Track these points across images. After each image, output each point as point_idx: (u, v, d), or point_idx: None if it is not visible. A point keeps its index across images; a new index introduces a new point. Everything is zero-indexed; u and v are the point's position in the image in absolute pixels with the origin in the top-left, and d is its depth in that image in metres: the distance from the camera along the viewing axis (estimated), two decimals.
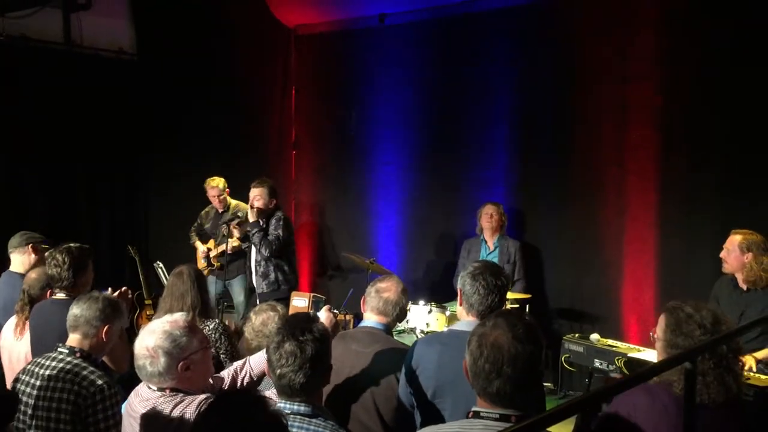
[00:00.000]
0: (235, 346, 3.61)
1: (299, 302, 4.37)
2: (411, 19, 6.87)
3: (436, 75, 6.76)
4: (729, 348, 2.29)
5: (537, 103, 6.16)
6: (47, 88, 6.19)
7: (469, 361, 1.93)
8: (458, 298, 2.70)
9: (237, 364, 2.85)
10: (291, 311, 3.97)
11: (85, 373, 2.68)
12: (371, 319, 2.98)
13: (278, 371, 2.21)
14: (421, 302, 5.00)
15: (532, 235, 6.24)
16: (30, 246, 4.17)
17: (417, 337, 4.75)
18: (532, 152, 6.22)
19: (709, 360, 2.24)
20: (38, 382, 2.68)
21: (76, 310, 2.84)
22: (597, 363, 4.98)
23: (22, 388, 2.72)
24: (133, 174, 6.98)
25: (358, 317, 3.28)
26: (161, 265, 6.35)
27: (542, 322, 5.62)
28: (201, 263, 6.36)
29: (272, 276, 5.43)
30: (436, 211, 6.87)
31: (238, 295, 6.50)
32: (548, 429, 1.55)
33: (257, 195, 5.39)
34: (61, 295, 3.48)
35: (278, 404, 2.21)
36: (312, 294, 4.45)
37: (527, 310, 5.41)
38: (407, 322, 4.90)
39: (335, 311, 3.04)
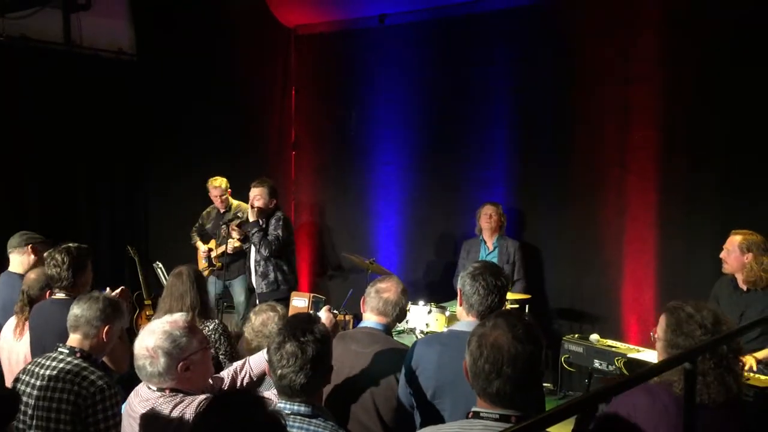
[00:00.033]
0: (235, 347, 3.61)
1: (299, 302, 4.36)
2: (411, 20, 6.86)
3: (436, 75, 6.76)
4: (729, 348, 2.29)
5: (537, 103, 6.16)
6: (47, 89, 6.19)
7: (468, 361, 1.93)
8: (458, 298, 2.70)
9: (237, 364, 2.85)
10: (291, 311, 3.96)
11: (85, 373, 2.67)
12: (371, 319, 2.98)
13: (279, 372, 2.21)
14: (421, 302, 4.99)
15: (532, 235, 6.24)
16: (29, 246, 4.16)
17: (417, 337, 4.74)
18: (533, 152, 6.21)
19: (709, 360, 2.24)
20: (39, 382, 2.68)
21: (76, 310, 2.84)
22: (596, 363, 4.97)
23: (23, 388, 2.72)
24: (133, 174, 6.98)
25: (358, 317, 3.28)
26: (161, 265, 6.35)
27: (542, 322, 5.61)
28: (202, 263, 6.36)
29: (271, 276, 5.43)
30: (436, 212, 6.87)
31: (239, 296, 6.50)
32: (548, 429, 1.55)
33: (257, 195, 5.39)
34: (60, 295, 3.47)
35: (278, 404, 2.21)
36: (312, 294, 4.43)
37: (527, 310, 5.41)
38: (407, 322, 4.90)
39: (335, 311, 3.04)
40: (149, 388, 2.41)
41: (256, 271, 5.51)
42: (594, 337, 5.20)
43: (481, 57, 6.46)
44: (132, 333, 3.06)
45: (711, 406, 2.23)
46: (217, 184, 6.32)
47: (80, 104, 6.39)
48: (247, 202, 5.55)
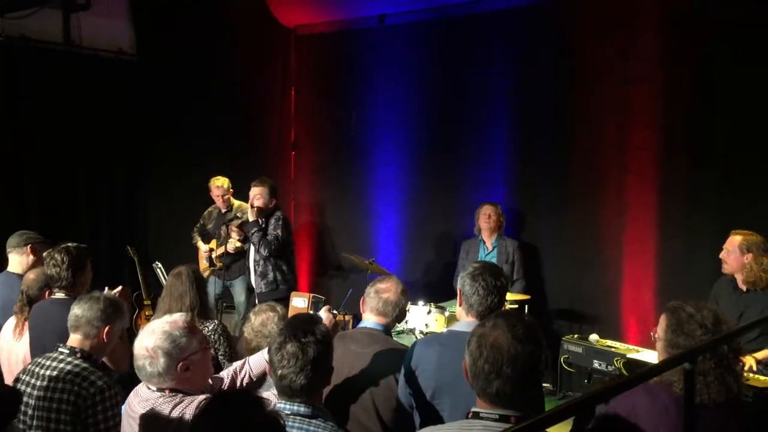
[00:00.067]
0: (234, 347, 3.61)
1: (299, 302, 4.36)
2: (411, 20, 6.86)
3: (436, 75, 6.76)
4: (730, 348, 2.29)
5: (537, 103, 6.15)
6: (47, 89, 6.19)
7: (468, 361, 1.93)
8: (458, 298, 2.70)
9: (236, 364, 2.85)
10: (290, 311, 3.96)
11: (85, 374, 2.67)
12: (370, 319, 2.98)
13: (279, 372, 2.21)
14: (421, 303, 4.99)
15: (531, 235, 6.24)
16: (28, 246, 4.16)
17: (416, 337, 4.74)
18: (532, 153, 6.21)
19: (709, 360, 2.24)
20: (39, 383, 2.67)
21: (77, 310, 2.83)
22: (596, 364, 4.98)
23: (23, 388, 2.71)
24: (132, 174, 6.98)
25: (358, 318, 3.28)
26: (160, 265, 6.35)
27: (541, 322, 5.57)
28: (203, 263, 6.36)
29: (271, 276, 5.43)
30: (436, 212, 6.87)
31: (240, 295, 6.50)
32: (547, 429, 1.55)
33: (257, 194, 5.39)
34: (60, 295, 3.47)
35: (278, 405, 2.21)
36: (311, 294, 4.43)
37: (526, 310, 5.41)
38: (406, 322, 4.89)
39: (334, 312, 3.04)
40: (149, 388, 2.41)
41: (255, 270, 5.51)
42: (593, 337, 5.20)
43: (481, 57, 6.46)
44: (132, 333, 3.06)
45: (711, 406, 2.23)
46: (220, 183, 6.32)
47: (80, 104, 6.39)
48: (247, 202, 5.56)
